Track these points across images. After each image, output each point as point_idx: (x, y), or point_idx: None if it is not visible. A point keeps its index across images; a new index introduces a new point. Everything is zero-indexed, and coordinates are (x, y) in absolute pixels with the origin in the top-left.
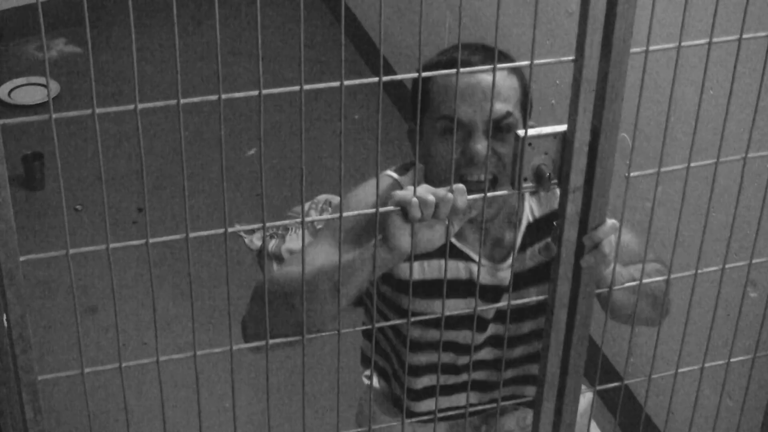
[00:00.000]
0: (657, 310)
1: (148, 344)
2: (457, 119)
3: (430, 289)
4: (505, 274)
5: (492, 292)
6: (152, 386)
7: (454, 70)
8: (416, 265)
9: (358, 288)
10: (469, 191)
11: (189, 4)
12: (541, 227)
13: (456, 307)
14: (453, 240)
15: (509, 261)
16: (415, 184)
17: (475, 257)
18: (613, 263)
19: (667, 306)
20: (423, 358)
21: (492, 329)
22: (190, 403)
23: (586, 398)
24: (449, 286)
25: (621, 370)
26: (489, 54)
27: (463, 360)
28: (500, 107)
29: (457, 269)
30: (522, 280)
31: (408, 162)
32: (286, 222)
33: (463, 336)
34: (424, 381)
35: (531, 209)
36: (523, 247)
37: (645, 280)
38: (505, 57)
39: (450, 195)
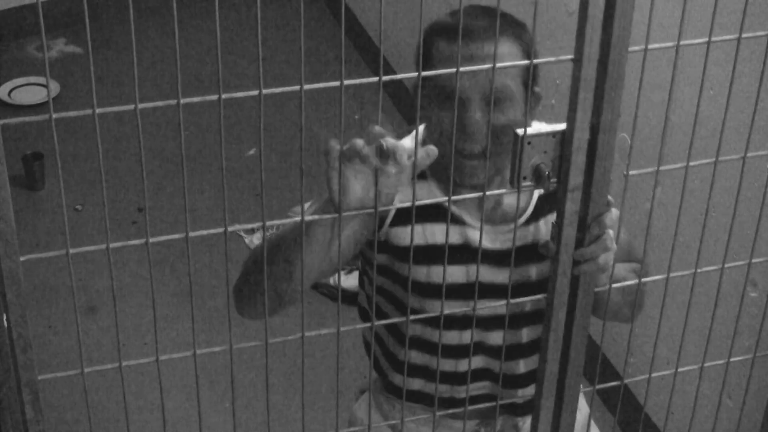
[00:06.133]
0: (632, 307)
1: (148, 344)
2: (453, 90)
3: (420, 256)
4: (506, 237)
5: (493, 259)
6: (152, 386)
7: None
8: (403, 230)
9: (324, 250)
10: (465, 162)
11: (189, 3)
12: (551, 199)
13: (452, 276)
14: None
15: (511, 225)
16: (416, 144)
17: (469, 221)
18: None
19: (641, 302)
20: (413, 354)
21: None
22: (190, 403)
23: (582, 413)
24: (442, 252)
25: (620, 370)
26: (493, 19)
27: (461, 365)
28: (498, 80)
29: (449, 233)
30: (525, 254)
31: (404, 129)
32: (286, 221)
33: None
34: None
35: None
36: (536, 217)
37: (644, 279)
38: (509, 23)
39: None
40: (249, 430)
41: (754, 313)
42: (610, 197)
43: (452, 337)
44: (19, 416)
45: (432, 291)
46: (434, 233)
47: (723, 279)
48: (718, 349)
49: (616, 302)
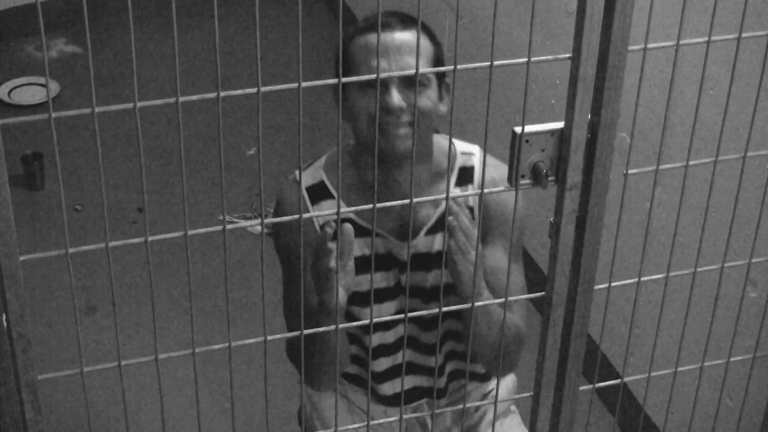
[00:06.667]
0: (513, 352)
1: (147, 344)
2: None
3: (360, 267)
4: (415, 249)
5: (411, 266)
6: (152, 386)
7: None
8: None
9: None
10: (392, 131)
11: (188, 3)
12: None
13: (384, 279)
14: (356, 219)
15: (415, 240)
16: (339, 170)
17: (383, 233)
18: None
19: (513, 353)
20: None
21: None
22: (189, 403)
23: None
24: (371, 264)
25: (620, 369)
26: (403, 17)
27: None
28: (412, 63)
29: (365, 245)
30: (426, 262)
31: (331, 152)
32: (286, 218)
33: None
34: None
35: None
36: (434, 230)
37: (644, 278)
38: (412, 19)
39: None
40: (249, 429)
41: (754, 313)
42: (453, 205)
43: (375, 338)
44: (19, 416)
45: (356, 298)
46: (363, 243)
47: (723, 279)
48: (718, 349)
49: (487, 334)
